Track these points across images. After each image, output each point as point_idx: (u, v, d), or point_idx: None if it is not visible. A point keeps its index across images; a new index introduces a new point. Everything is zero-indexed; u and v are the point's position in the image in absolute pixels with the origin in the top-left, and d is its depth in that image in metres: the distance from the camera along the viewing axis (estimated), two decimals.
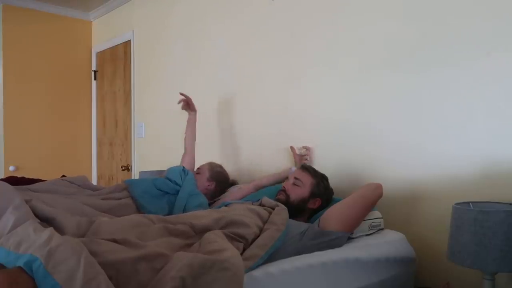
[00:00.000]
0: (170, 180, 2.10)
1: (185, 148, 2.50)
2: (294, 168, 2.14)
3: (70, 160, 4.32)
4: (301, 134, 2.31)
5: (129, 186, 2.04)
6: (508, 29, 1.54)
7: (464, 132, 1.66)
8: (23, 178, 2.08)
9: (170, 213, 1.97)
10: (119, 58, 4.13)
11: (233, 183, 2.46)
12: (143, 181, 2.10)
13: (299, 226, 1.56)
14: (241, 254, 1.27)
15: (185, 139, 2.53)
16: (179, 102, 2.55)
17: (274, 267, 1.27)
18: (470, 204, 1.45)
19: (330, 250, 1.45)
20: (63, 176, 2.15)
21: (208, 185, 2.27)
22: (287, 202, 1.78)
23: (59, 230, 1.27)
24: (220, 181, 2.33)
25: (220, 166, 2.41)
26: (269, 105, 2.51)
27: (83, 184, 2.00)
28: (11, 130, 4.01)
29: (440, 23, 1.74)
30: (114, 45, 4.18)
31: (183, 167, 2.25)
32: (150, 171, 2.87)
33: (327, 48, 2.18)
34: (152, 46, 3.65)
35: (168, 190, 2.06)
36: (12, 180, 1.96)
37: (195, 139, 2.54)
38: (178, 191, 2.06)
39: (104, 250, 1.07)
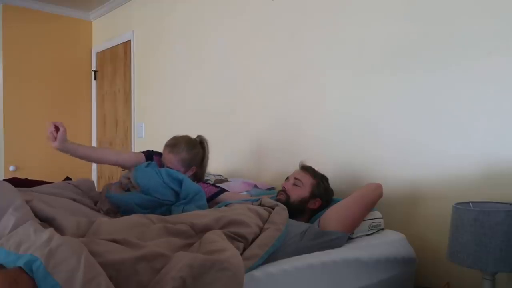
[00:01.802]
0: (160, 199, 1.86)
1: (114, 159, 2.08)
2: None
3: (70, 160, 4.25)
4: (301, 133, 2.31)
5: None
6: (509, 30, 1.54)
7: (465, 132, 1.66)
8: (26, 180, 2.03)
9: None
10: (119, 58, 4.13)
11: (202, 141, 2.16)
12: (129, 210, 1.82)
13: (299, 226, 1.56)
14: (241, 254, 1.27)
15: (99, 158, 2.11)
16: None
17: (274, 267, 1.27)
18: (470, 204, 1.45)
19: (330, 250, 1.45)
20: (68, 178, 2.11)
21: (190, 175, 2.09)
22: (287, 203, 1.77)
23: (59, 230, 1.27)
24: (196, 161, 2.11)
25: (184, 145, 2.05)
26: (269, 105, 2.51)
27: (87, 189, 1.93)
28: (11, 130, 4.01)
29: (441, 23, 1.74)
30: (114, 45, 4.18)
31: (178, 177, 1.90)
32: None
33: (328, 48, 2.18)
34: (152, 46, 3.65)
35: (158, 205, 1.88)
36: (16, 182, 1.91)
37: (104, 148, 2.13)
38: (170, 204, 1.88)
39: (104, 250, 1.07)
